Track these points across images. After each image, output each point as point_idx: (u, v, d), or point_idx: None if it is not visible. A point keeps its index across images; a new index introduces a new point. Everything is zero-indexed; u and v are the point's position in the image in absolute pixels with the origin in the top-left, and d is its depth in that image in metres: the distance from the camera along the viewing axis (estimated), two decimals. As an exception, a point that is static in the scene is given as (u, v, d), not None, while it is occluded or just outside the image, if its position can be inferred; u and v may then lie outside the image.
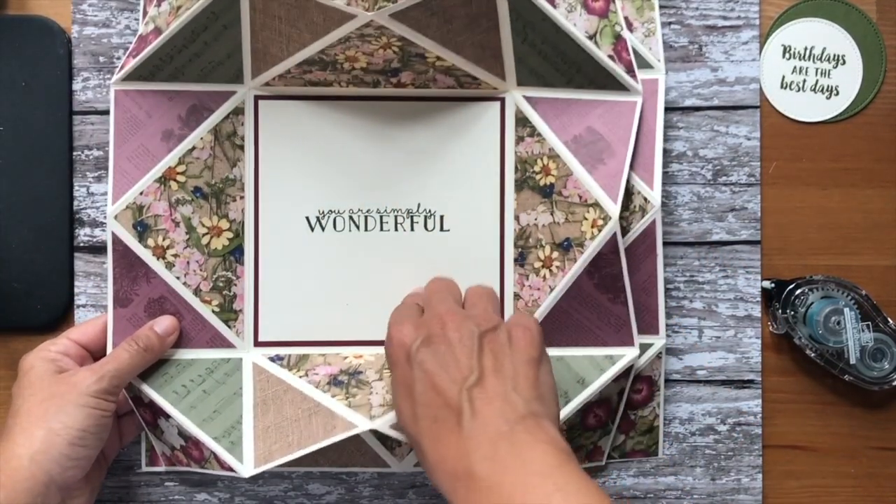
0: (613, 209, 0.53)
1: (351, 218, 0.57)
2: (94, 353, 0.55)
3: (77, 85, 0.58)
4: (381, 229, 0.58)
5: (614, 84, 0.54)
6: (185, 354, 0.56)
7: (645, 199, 0.55)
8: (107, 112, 0.55)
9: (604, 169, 0.54)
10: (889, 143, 0.60)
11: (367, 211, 0.57)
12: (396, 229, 0.58)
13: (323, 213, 0.57)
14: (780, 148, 0.60)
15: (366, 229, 0.57)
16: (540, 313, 0.55)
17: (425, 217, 0.58)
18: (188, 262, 0.55)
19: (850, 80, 0.60)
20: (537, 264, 0.57)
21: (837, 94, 0.60)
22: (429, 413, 0.43)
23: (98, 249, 0.58)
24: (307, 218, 0.57)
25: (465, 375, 0.43)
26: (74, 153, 0.58)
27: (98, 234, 0.58)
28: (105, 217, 0.58)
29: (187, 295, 0.55)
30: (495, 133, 0.57)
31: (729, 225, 0.59)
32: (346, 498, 0.59)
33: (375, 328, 0.57)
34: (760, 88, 0.59)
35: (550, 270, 0.56)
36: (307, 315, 0.58)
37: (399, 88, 0.56)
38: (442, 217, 0.58)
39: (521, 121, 0.57)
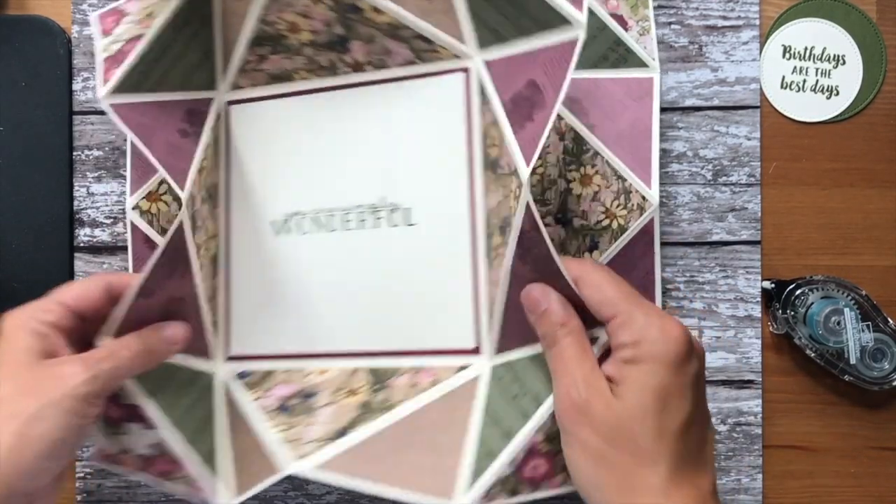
0: (524, 171, 0.43)
1: (315, 219, 0.53)
2: (89, 319, 0.47)
3: (77, 85, 0.58)
4: (346, 228, 0.53)
5: (558, 19, 0.44)
6: (174, 360, 0.50)
7: (643, 198, 0.55)
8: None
9: (530, 127, 0.45)
10: (889, 143, 0.60)
11: (331, 210, 0.53)
12: (361, 227, 0.53)
13: (287, 216, 0.54)
14: (780, 148, 0.60)
15: (330, 230, 0.53)
16: (497, 316, 0.48)
17: (390, 211, 0.52)
18: (201, 266, 0.51)
19: (850, 80, 0.60)
20: (492, 254, 0.50)
21: (837, 94, 0.60)
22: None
23: (98, 249, 0.58)
24: (272, 223, 0.54)
25: None
26: (74, 153, 0.58)
27: (98, 234, 0.58)
28: (104, 217, 0.58)
29: (202, 300, 0.51)
30: (460, 109, 0.51)
31: (729, 225, 0.59)
32: (346, 498, 0.59)
33: (344, 338, 0.53)
34: (760, 88, 0.59)
35: (500, 260, 0.48)
36: (277, 326, 0.53)
37: (358, 73, 0.53)
38: (408, 210, 0.52)
39: (480, 90, 0.51)
